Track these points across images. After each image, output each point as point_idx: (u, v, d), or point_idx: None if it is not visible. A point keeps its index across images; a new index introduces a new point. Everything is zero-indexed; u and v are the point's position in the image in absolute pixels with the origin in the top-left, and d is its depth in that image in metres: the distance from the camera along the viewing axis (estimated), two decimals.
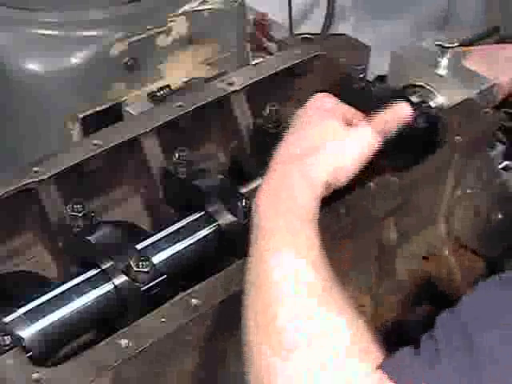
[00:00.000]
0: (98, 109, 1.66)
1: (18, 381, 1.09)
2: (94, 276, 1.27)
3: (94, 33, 1.64)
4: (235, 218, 1.35)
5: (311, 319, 1.03)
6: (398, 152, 1.37)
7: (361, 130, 1.21)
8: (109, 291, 1.26)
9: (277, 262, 1.08)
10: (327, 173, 1.16)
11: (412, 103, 1.55)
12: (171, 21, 1.70)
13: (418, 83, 1.63)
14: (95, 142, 1.41)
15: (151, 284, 1.25)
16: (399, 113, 1.27)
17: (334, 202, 1.29)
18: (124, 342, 1.14)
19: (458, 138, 1.48)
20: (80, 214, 1.33)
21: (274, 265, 1.07)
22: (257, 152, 1.56)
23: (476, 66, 1.64)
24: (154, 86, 1.71)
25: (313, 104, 1.26)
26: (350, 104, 1.29)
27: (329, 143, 1.18)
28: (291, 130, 1.23)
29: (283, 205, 1.13)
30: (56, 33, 1.64)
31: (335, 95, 1.60)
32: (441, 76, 1.63)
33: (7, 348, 1.12)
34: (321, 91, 1.29)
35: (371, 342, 1.02)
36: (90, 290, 1.26)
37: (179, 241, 1.35)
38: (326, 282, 1.07)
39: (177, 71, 1.75)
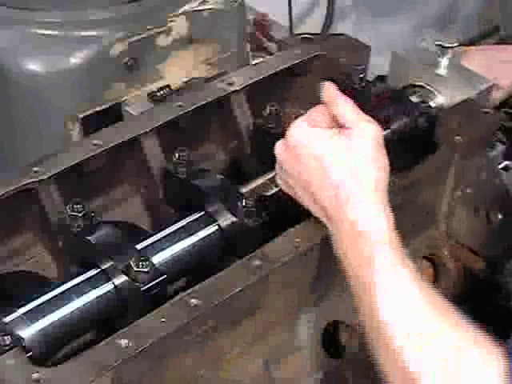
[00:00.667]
0: (98, 109, 1.66)
1: (17, 381, 1.09)
2: (94, 276, 1.27)
3: (93, 33, 1.64)
4: (235, 218, 1.35)
5: (434, 347, 1.04)
6: (398, 152, 1.37)
7: (362, 129, 1.21)
8: (109, 291, 1.26)
9: (388, 308, 1.09)
10: (374, 190, 1.18)
11: (412, 103, 1.56)
12: (171, 21, 1.70)
13: (417, 83, 1.63)
14: (95, 141, 1.41)
15: (151, 284, 1.25)
16: (336, 90, 1.27)
17: None
18: (124, 341, 1.14)
19: (457, 138, 1.49)
20: (80, 214, 1.33)
21: (386, 316, 1.09)
22: (257, 152, 1.56)
23: (476, 68, 1.64)
24: (153, 86, 1.71)
25: (298, 139, 1.25)
26: None
27: (353, 169, 1.19)
28: (305, 176, 1.23)
29: (365, 252, 1.14)
30: (56, 33, 1.64)
31: None
32: (441, 76, 1.63)
33: (7, 348, 1.12)
34: (321, 91, 1.29)
35: (487, 341, 1.03)
36: (90, 290, 1.26)
37: (179, 241, 1.35)
38: (432, 302, 1.08)
39: (177, 71, 1.75)
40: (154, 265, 1.26)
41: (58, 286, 1.27)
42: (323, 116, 1.26)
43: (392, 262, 1.12)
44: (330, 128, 1.24)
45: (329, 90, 1.27)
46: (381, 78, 1.79)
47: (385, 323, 1.08)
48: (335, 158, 1.20)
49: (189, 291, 1.22)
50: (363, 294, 1.12)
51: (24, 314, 1.21)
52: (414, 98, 1.59)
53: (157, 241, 1.34)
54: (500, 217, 1.53)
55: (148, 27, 1.67)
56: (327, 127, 1.25)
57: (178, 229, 1.36)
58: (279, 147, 1.28)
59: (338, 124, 1.24)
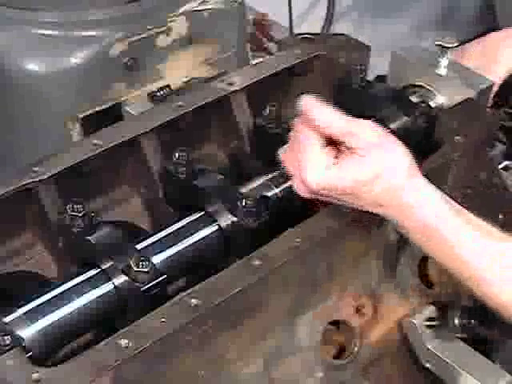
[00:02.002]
0: (97, 109, 1.66)
1: (17, 381, 1.09)
2: (94, 276, 1.27)
3: (93, 33, 1.64)
4: (235, 218, 1.35)
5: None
6: None
7: (359, 128, 1.21)
8: (109, 291, 1.26)
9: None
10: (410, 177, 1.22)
11: (412, 103, 1.56)
12: (171, 21, 1.70)
13: (418, 83, 1.63)
14: (95, 141, 1.41)
15: (151, 284, 1.25)
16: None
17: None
18: (124, 341, 1.14)
19: (457, 138, 1.49)
20: (80, 214, 1.33)
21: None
22: (257, 152, 1.56)
23: (472, 57, 1.64)
24: (153, 86, 1.71)
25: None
26: (349, 104, 1.29)
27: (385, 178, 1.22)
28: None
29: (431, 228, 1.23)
30: (56, 33, 1.64)
31: (335, 95, 1.61)
32: (441, 76, 1.63)
33: (7, 348, 1.12)
34: (321, 91, 1.29)
35: None
36: (90, 290, 1.26)
37: (179, 241, 1.35)
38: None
39: (177, 71, 1.75)
40: (154, 265, 1.26)
41: (58, 286, 1.27)
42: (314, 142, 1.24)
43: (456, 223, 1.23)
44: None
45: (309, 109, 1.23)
46: (381, 78, 1.79)
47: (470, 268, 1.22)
48: (364, 182, 1.21)
49: (189, 291, 1.22)
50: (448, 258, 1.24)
51: (24, 313, 1.21)
52: (413, 98, 1.59)
53: (157, 241, 1.34)
54: (500, 217, 1.53)
55: (148, 27, 1.67)
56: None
57: (178, 229, 1.36)
58: (303, 193, 1.26)
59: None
